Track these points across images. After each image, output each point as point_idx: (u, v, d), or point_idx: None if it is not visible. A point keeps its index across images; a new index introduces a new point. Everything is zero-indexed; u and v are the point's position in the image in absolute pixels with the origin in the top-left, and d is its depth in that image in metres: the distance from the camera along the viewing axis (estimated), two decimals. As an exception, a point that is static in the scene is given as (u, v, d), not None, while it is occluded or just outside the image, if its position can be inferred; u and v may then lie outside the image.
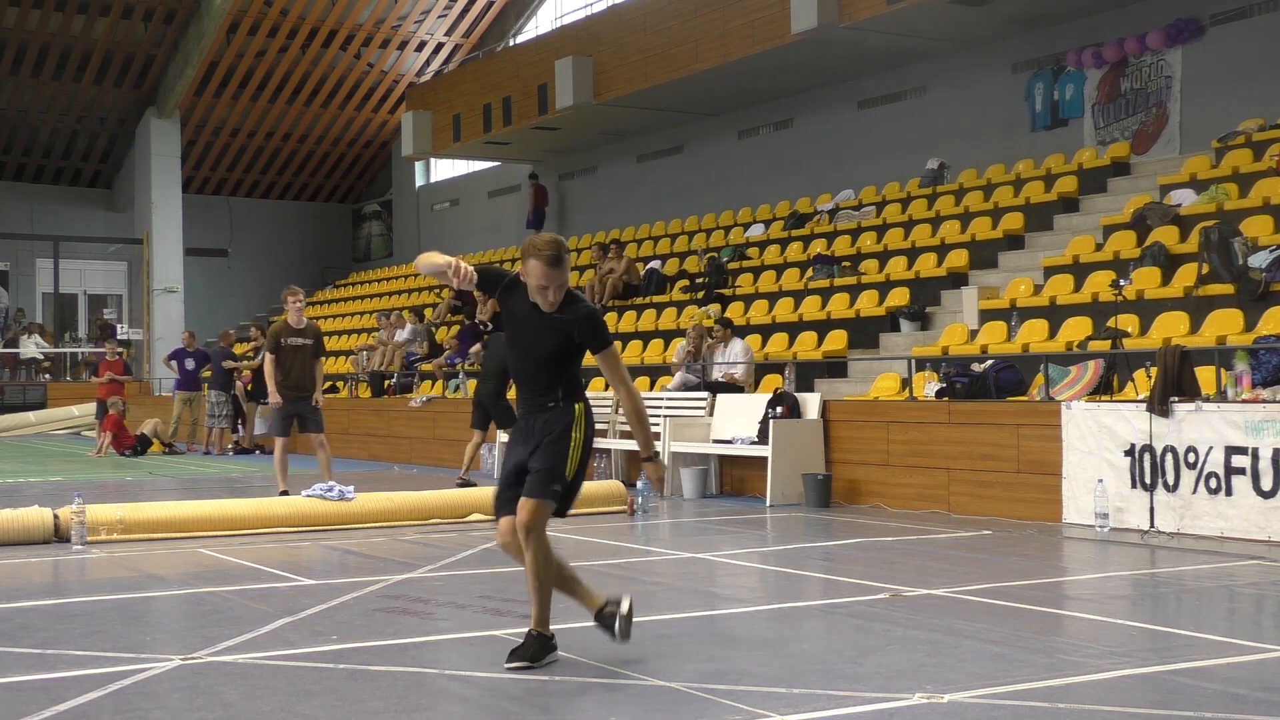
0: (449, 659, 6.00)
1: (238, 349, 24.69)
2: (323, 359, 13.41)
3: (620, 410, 14.67)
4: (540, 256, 5.59)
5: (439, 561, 9.01)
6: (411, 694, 5.32)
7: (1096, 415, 10.71)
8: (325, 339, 14.68)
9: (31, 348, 32.92)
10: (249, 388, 22.36)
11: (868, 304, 16.60)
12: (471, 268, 5.75)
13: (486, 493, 12.27)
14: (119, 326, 33.49)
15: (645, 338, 19.49)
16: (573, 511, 10.88)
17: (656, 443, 5.92)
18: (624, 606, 5.83)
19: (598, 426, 15.71)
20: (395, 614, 7.03)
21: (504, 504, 5.84)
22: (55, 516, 10.08)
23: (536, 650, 5.69)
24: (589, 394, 17.42)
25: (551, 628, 5.77)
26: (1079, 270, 14.33)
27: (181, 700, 5.22)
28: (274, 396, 12.95)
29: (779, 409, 13.17)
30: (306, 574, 8.70)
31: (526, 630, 5.78)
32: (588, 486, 12.66)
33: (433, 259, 5.79)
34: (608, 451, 15.35)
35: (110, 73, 32.74)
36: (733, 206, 23.81)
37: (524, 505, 5.67)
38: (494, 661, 5.89)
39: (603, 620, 5.86)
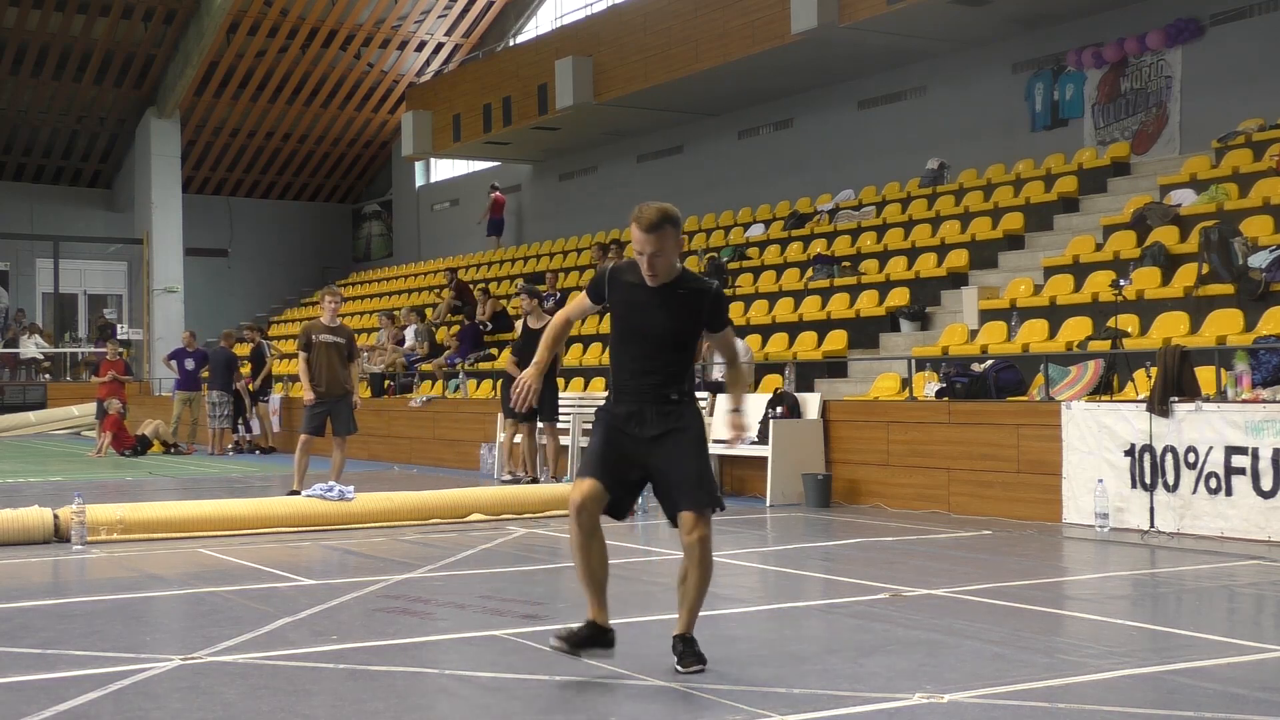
0: (449, 659, 6.00)
1: (238, 350, 24.67)
2: (358, 360, 13.51)
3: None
4: (639, 222, 5.46)
5: (439, 561, 9.01)
6: (411, 694, 5.32)
7: (1096, 415, 10.71)
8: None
9: (31, 348, 32.92)
10: (251, 388, 22.33)
11: (868, 304, 16.59)
12: (529, 381, 5.75)
13: (490, 492, 12.28)
14: (119, 326, 33.49)
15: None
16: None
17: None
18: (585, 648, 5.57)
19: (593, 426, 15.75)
20: (395, 614, 7.03)
21: (597, 471, 5.54)
22: (55, 516, 10.07)
23: (698, 650, 5.58)
24: (593, 394, 17.52)
25: (568, 625, 5.71)
26: (1079, 270, 14.33)
27: (181, 700, 5.22)
28: (307, 394, 13.01)
29: (779, 409, 13.17)
30: (306, 574, 8.70)
31: (679, 635, 5.61)
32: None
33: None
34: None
35: (110, 73, 32.74)
36: (733, 206, 23.81)
37: (699, 519, 5.45)
38: (494, 661, 5.90)
39: (591, 632, 5.62)
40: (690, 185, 25.36)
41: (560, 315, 5.99)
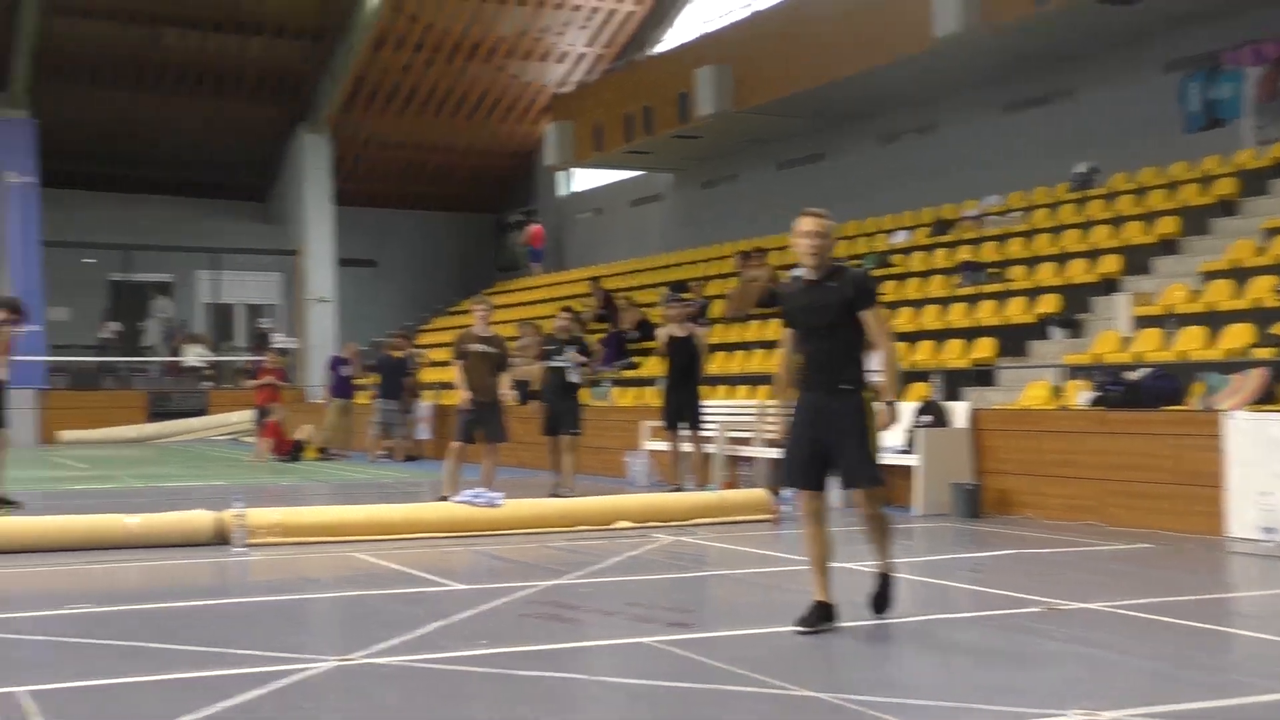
0: (598, 665, 6.05)
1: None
2: (507, 371, 13.63)
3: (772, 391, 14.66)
4: (804, 212, 6.74)
5: (587, 568, 9.07)
6: (561, 699, 5.37)
7: (1263, 426, 10.34)
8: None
9: (193, 357, 34.05)
10: (420, 396, 22.69)
11: (1016, 311, 16.29)
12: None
13: (637, 500, 12.33)
14: (276, 335, 34.44)
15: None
16: (717, 519, 11.17)
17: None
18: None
19: (743, 435, 15.73)
20: (544, 620, 7.11)
21: (801, 478, 6.74)
22: (218, 520, 10.38)
23: (887, 592, 6.93)
24: (737, 401, 17.35)
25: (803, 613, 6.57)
26: (1239, 275, 13.88)
27: (340, 701, 5.35)
28: (464, 394, 13.17)
29: (926, 418, 13.01)
30: (456, 579, 8.84)
31: (876, 574, 6.94)
32: (732, 495, 12.70)
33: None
34: (751, 459, 15.32)
35: (264, 90, 33.75)
36: (876, 213, 23.58)
37: (862, 495, 6.78)
38: (642, 668, 5.92)
39: (817, 612, 6.61)
40: (832, 192, 25.15)
41: (781, 363, 7.03)
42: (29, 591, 8.49)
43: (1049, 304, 15.98)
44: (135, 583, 8.91)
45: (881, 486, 6.87)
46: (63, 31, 30.40)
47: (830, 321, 6.61)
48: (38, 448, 27.16)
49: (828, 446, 6.69)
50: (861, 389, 6.70)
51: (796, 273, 6.96)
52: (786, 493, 12.65)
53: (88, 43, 31.13)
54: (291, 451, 22.12)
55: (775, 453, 14.69)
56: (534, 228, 33.57)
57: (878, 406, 6.73)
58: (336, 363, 23.85)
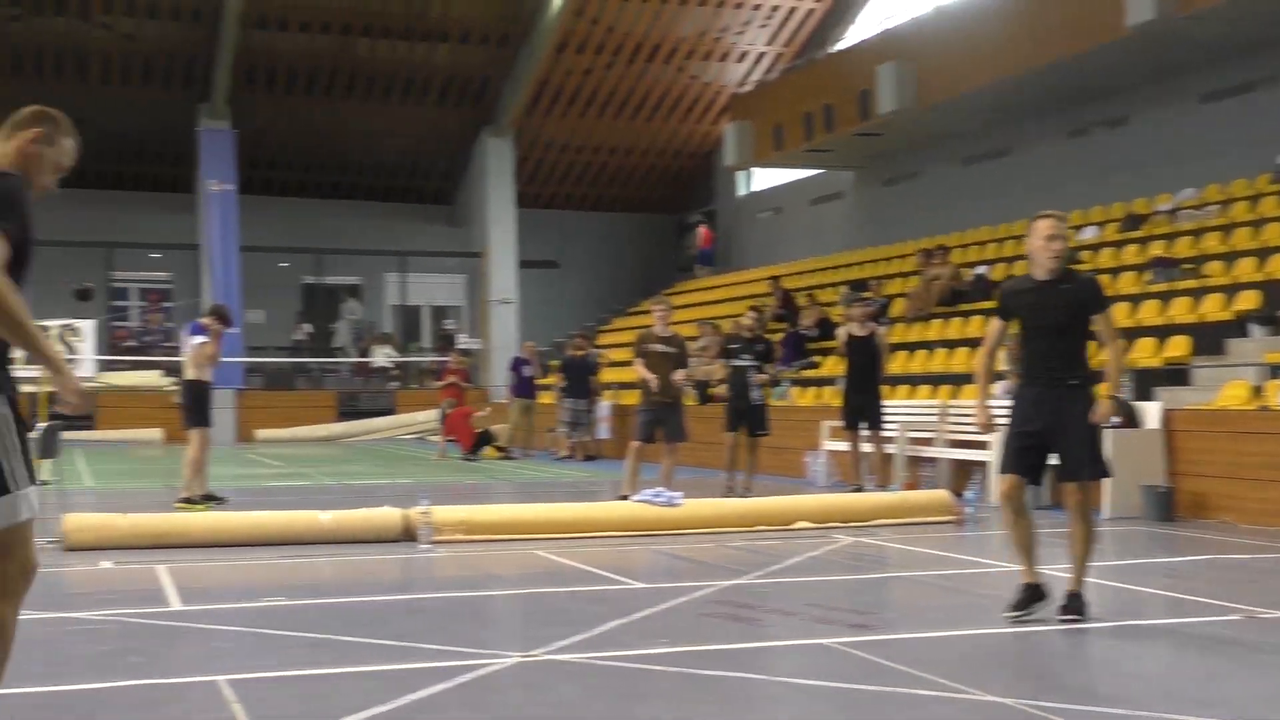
0: (777, 666, 6.03)
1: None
2: (685, 370, 13.63)
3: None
4: (1041, 215, 7.06)
5: (766, 568, 9.05)
6: (740, 700, 5.37)
7: None
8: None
9: (382, 358, 35.04)
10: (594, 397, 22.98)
11: (1212, 308, 15.68)
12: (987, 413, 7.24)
13: (816, 500, 12.27)
14: (460, 336, 35.20)
15: (973, 344, 19.00)
16: (898, 520, 11.12)
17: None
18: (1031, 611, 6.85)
19: (924, 435, 15.50)
20: (723, 619, 7.11)
21: (1013, 464, 6.91)
22: (406, 517, 10.66)
23: (1079, 605, 6.85)
24: (918, 401, 17.15)
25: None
26: None
27: (522, 696, 5.44)
28: (652, 379, 13.20)
29: (1116, 419, 12.60)
30: (635, 577, 8.91)
31: (1068, 591, 6.93)
32: (914, 495, 12.53)
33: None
34: (933, 460, 15.07)
35: (450, 95, 34.55)
36: (1063, 208, 22.80)
37: (1077, 488, 6.92)
38: (823, 670, 5.89)
39: (1029, 594, 6.87)
40: (1018, 188, 24.58)
41: (983, 352, 7.27)
42: (229, 584, 8.85)
43: (1248, 300, 15.35)
44: (327, 577, 9.22)
45: (1105, 479, 7.15)
46: (260, 44, 31.63)
47: (1062, 322, 6.84)
48: (235, 446, 28.32)
49: (1049, 438, 6.84)
50: (1089, 384, 6.86)
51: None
52: (969, 494, 12.47)
53: (283, 54, 32.32)
54: (476, 445, 22.55)
55: (958, 453, 14.51)
56: (703, 230, 33.79)
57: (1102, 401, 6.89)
58: (518, 363, 24.26)
